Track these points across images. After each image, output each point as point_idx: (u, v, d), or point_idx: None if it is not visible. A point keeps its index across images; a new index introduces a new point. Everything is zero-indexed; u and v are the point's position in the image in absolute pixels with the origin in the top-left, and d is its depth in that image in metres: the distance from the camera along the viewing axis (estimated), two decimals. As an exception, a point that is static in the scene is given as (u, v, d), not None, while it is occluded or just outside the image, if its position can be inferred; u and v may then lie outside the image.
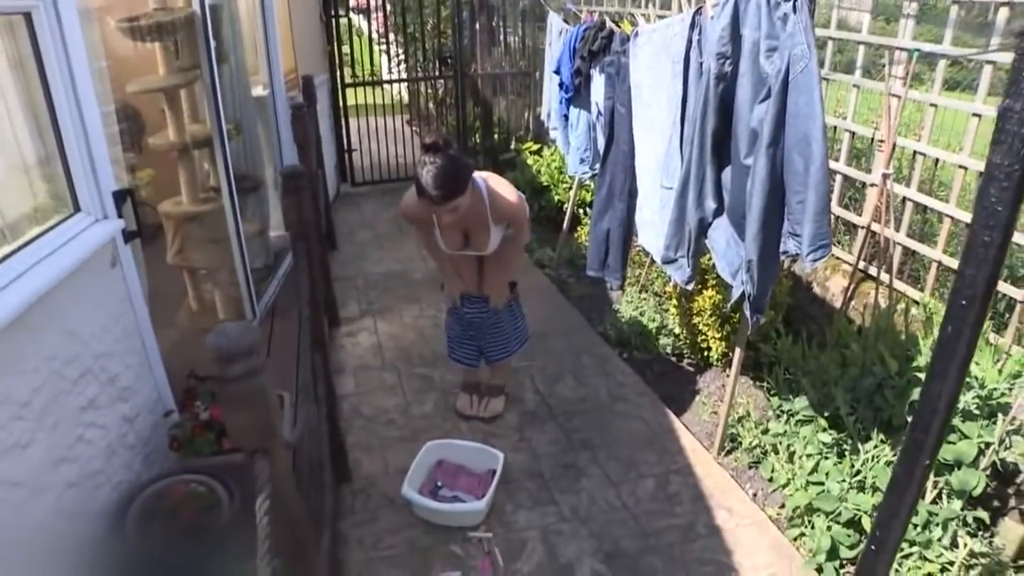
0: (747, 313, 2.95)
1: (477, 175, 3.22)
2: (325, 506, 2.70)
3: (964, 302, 1.55)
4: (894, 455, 3.04)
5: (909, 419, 3.02)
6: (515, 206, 3.31)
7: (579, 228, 6.08)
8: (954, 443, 2.83)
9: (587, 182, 5.48)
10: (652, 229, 3.66)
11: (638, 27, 3.66)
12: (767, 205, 2.65)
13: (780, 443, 3.49)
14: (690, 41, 3.03)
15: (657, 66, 3.39)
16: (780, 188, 2.66)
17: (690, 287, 3.44)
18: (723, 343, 4.19)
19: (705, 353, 4.35)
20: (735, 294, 3.00)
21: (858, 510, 2.92)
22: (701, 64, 2.97)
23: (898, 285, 3.91)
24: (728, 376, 4.21)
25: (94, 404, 2.61)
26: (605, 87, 4.07)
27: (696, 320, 4.21)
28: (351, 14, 9.61)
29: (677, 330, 4.48)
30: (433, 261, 3.77)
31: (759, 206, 2.66)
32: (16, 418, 2.16)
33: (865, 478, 3.05)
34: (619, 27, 4.21)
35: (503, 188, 3.31)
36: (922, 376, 3.01)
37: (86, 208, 2.68)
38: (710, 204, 3.02)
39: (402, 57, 9.68)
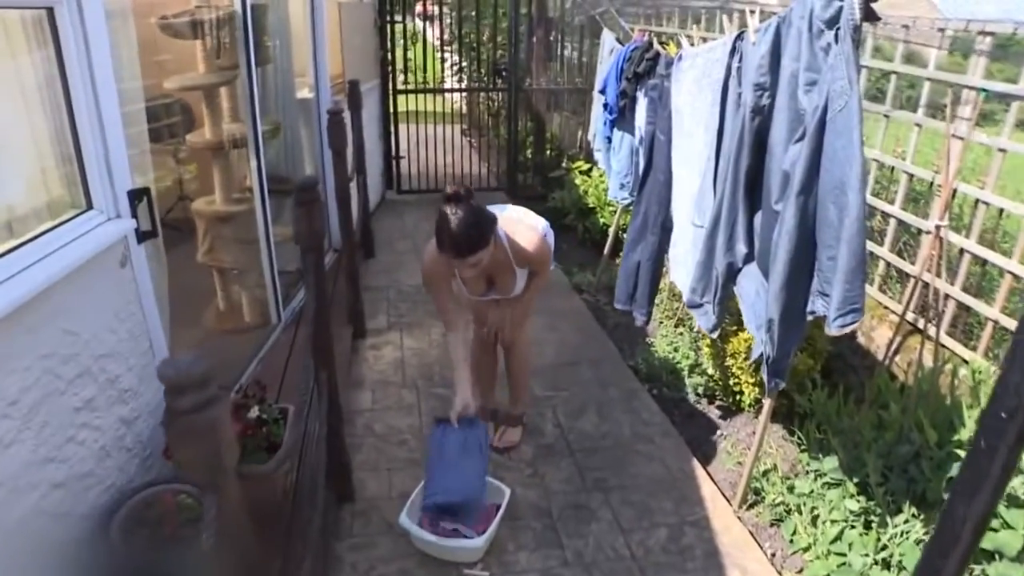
0: (764, 377, 2.74)
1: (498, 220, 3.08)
2: (312, 529, 2.59)
3: (1004, 414, 1.26)
4: (926, 532, 2.84)
5: (945, 496, 2.83)
6: (536, 254, 3.20)
7: (621, 254, 5.93)
8: (996, 531, 2.59)
9: (628, 206, 5.34)
10: (684, 267, 3.49)
11: (682, 50, 3.50)
12: (793, 259, 2.43)
13: (804, 504, 3.29)
14: (729, 68, 2.85)
15: (698, 92, 3.23)
16: (811, 240, 2.43)
17: (715, 335, 3.25)
18: (756, 388, 4.00)
19: (737, 397, 4.16)
20: (754, 353, 2.80)
21: (881, 589, 2.73)
22: (740, 95, 2.78)
23: (948, 342, 3.69)
24: (759, 423, 4.03)
25: (90, 405, 2.54)
26: (647, 111, 3.94)
27: (730, 362, 4.03)
28: (416, 20, 9.59)
29: (710, 370, 4.30)
30: (450, 351, 3.38)
31: (784, 259, 2.44)
32: (1, 416, 2.10)
33: (892, 554, 2.84)
34: (665, 49, 4.06)
35: (522, 234, 3.18)
36: (961, 452, 2.83)
37: (98, 206, 2.62)
38: (741, 248, 2.82)
39: (460, 66, 9.63)
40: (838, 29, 2.21)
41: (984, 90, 3.21)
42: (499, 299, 3.47)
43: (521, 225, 3.23)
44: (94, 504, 2.56)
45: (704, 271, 3.05)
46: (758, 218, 2.77)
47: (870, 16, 2.13)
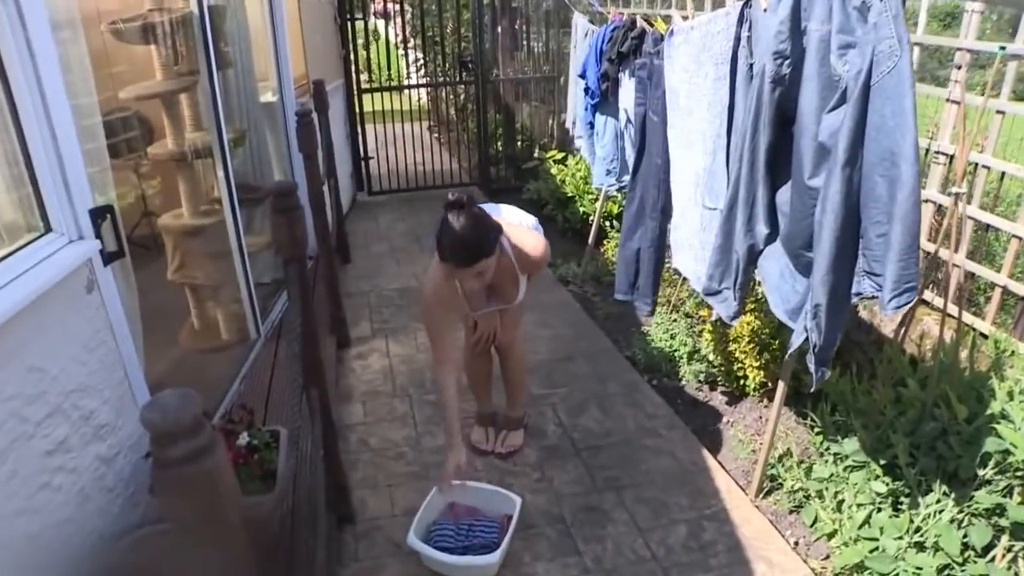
0: (811, 367, 2.55)
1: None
2: (317, 561, 2.41)
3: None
4: (959, 511, 2.71)
5: (979, 472, 2.71)
6: (542, 259, 3.08)
7: (605, 242, 5.78)
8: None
9: (614, 194, 5.17)
10: (690, 252, 3.31)
11: (674, 25, 3.33)
12: (840, 238, 2.24)
13: (826, 488, 3.15)
14: (738, 39, 2.66)
15: (696, 69, 3.05)
16: (856, 216, 2.25)
17: (735, 323, 3.09)
18: (761, 372, 3.86)
19: (741, 382, 4.02)
20: (796, 340, 2.61)
21: (919, 573, 2.58)
22: (751, 66, 2.60)
23: (963, 315, 3.56)
24: (766, 407, 3.90)
25: (64, 446, 2.33)
26: (636, 92, 3.76)
27: (732, 347, 3.89)
28: (372, 18, 9.38)
29: (711, 356, 4.16)
30: (441, 399, 3.18)
31: (830, 239, 2.24)
32: (-40, 472, 1.89)
33: (926, 535, 2.71)
34: (652, 26, 3.89)
35: (525, 240, 3.04)
36: (995, 424, 2.70)
37: (58, 228, 2.41)
38: (762, 229, 2.64)
39: (422, 62, 9.45)
40: None
41: (1003, 47, 3.06)
42: (496, 311, 3.32)
43: (521, 229, 3.09)
44: (76, 555, 2.36)
45: (723, 255, 2.87)
46: (780, 195, 2.60)
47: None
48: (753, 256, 2.75)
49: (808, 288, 2.47)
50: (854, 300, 2.38)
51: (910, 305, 2.19)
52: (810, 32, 2.30)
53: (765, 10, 2.47)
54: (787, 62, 2.40)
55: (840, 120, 2.18)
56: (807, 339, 2.51)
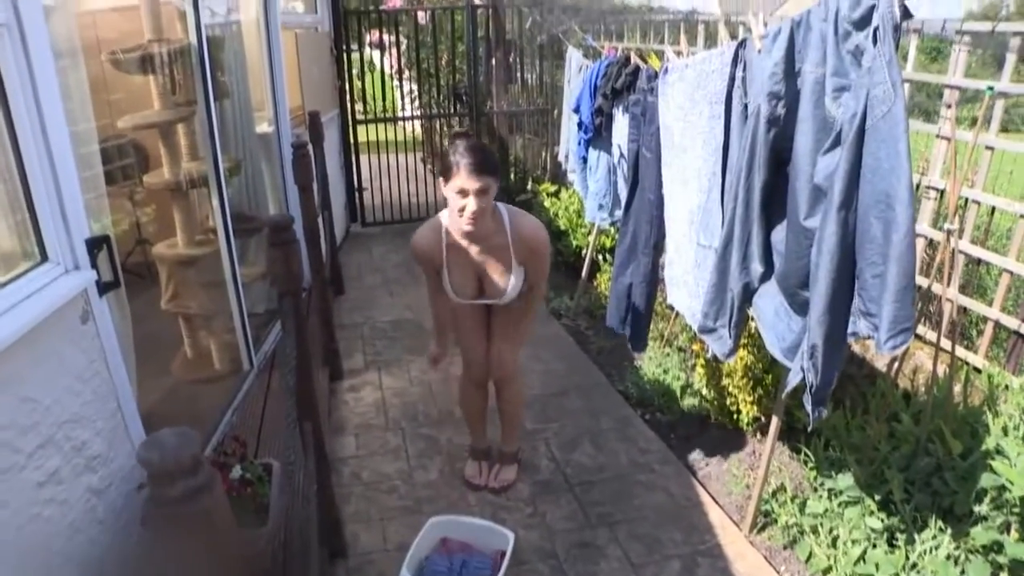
0: (808, 407, 2.55)
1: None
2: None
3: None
4: (955, 547, 2.70)
5: (975, 507, 2.70)
6: (539, 243, 3.05)
7: (598, 275, 5.78)
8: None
9: (607, 228, 5.19)
10: (684, 289, 3.32)
11: (668, 62, 3.36)
12: (836, 279, 2.25)
13: (821, 524, 3.14)
14: (733, 78, 2.69)
15: (691, 107, 3.07)
16: (851, 257, 2.26)
17: (731, 360, 3.08)
18: (755, 407, 3.85)
19: (735, 416, 4.01)
20: (792, 380, 2.61)
21: (916, 610, 2.58)
22: (746, 106, 2.63)
23: (957, 351, 3.58)
24: (760, 442, 3.89)
25: (55, 478, 2.31)
26: (629, 129, 3.79)
27: (726, 382, 3.88)
28: (368, 49, 9.44)
29: (705, 391, 4.15)
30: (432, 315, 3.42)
31: (827, 280, 2.25)
32: (-48, 503, 1.87)
33: (923, 572, 2.70)
34: (646, 62, 3.93)
35: (524, 219, 3.07)
36: (990, 460, 2.70)
37: (54, 257, 2.41)
38: (756, 267, 2.64)
39: (416, 94, 9.49)
40: (875, 30, 2.05)
41: (990, 88, 3.11)
42: (483, 310, 3.28)
43: (524, 215, 3.12)
44: (65, 587, 2.33)
45: (717, 293, 2.87)
46: (775, 234, 2.61)
47: (906, 13, 2.00)
48: (748, 294, 2.76)
49: (804, 327, 2.48)
50: (850, 340, 2.39)
51: (907, 346, 2.20)
52: (805, 74, 2.33)
53: (760, 51, 2.50)
54: (782, 103, 2.42)
55: (835, 162, 2.20)
56: (803, 378, 2.51)
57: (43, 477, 2.24)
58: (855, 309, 2.31)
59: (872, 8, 2.06)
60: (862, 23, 2.11)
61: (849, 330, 2.35)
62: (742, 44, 2.67)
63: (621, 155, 4.14)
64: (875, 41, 2.04)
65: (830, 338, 2.33)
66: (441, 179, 2.89)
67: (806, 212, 2.35)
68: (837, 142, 2.21)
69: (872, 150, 2.09)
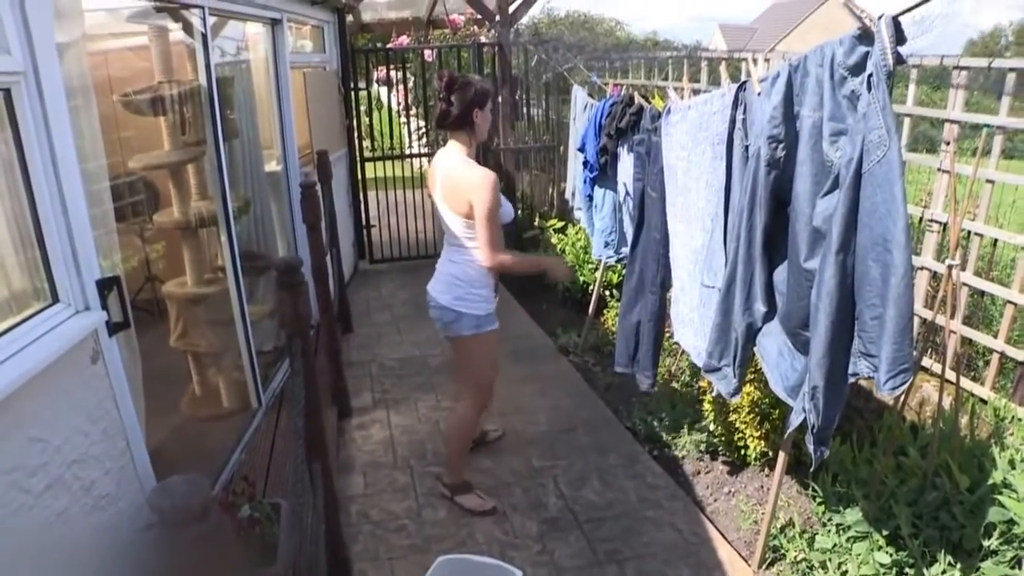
0: (809, 447, 2.56)
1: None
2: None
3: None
4: (965, 583, 2.69)
5: (984, 542, 2.69)
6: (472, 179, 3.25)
7: (605, 311, 5.80)
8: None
9: (613, 264, 5.22)
10: (690, 327, 3.33)
11: (671, 103, 3.40)
12: (837, 321, 2.27)
13: (830, 559, 3.13)
14: (733, 121, 2.73)
15: (694, 147, 3.11)
16: (851, 299, 2.28)
17: (736, 399, 3.09)
18: (762, 442, 3.85)
19: (742, 452, 4.00)
20: (794, 420, 2.62)
21: (927, 647, 2.56)
22: (747, 148, 2.67)
23: (963, 382, 3.58)
24: (768, 477, 3.88)
25: (63, 518, 2.32)
26: (634, 168, 3.83)
27: (733, 417, 3.88)
28: (376, 85, 9.55)
29: (712, 426, 4.15)
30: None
31: (827, 323, 2.28)
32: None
33: (933, 608, 2.68)
34: (649, 102, 3.98)
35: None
36: (997, 494, 2.70)
37: (65, 298, 2.44)
38: (759, 307, 2.67)
39: (424, 130, 9.58)
40: (869, 76, 2.09)
41: (988, 125, 3.15)
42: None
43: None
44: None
45: (721, 333, 2.89)
46: (777, 274, 2.64)
47: (900, 59, 2.03)
48: (752, 334, 2.78)
49: (806, 366, 2.49)
50: (851, 380, 2.40)
51: (907, 386, 2.21)
52: (803, 118, 2.36)
53: (759, 94, 2.53)
54: (781, 146, 2.46)
55: (833, 205, 2.23)
56: (805, 419, 2.52)
57: (52, 517, 2.25)
58: (855, 350, 2.32)
59: (866, 55, 2.11)
60: (857, 69, 2.16)
61: (850, 371, 2.36)
62: (742, 87, 2.71)
63: (627, 193, 4.17)
64: (869, 87, 2.08)
65: (830, 379, 2.35)
66: (477, 107, 3.25)
67: (806, 254, 2.38)
68: (835, 185, 2.24)
69: (869, 194, 2.13)
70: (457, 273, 3.36)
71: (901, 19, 2.04)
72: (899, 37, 2.01)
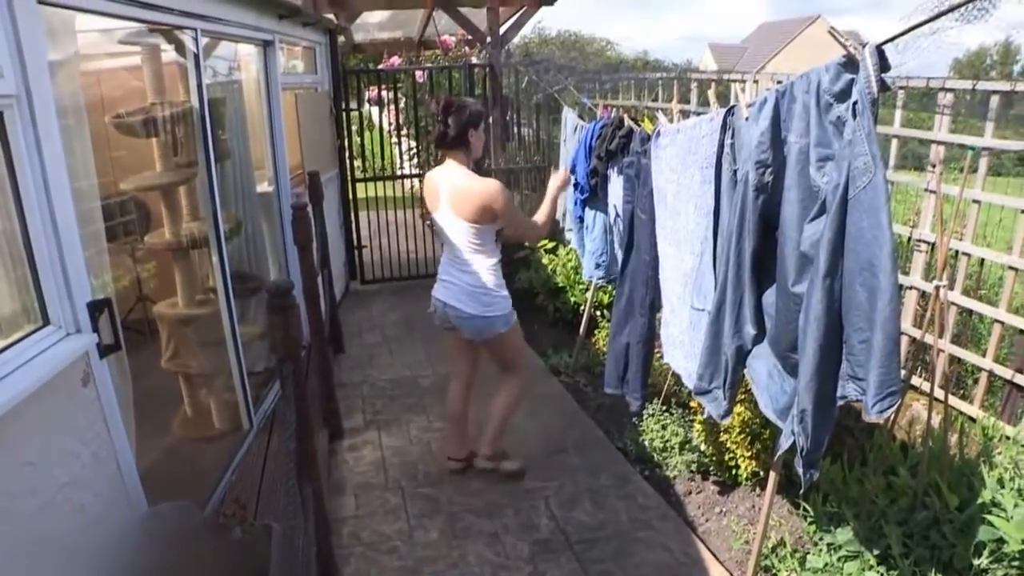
0: (799, 470, 2.57)
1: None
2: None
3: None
4: (956, 602, 2.70)
5: (975, 561, 2.70)
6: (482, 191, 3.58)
7: (596, 332, 5.80)
8: None
9: (604, 285, 5.23)
10: (680, 349, 3.34)
11: (660, 126, 3.43)
12: (824, 345, 2.29)
13: (822, 580, 3.13)
14: (722, 145, 2.75)
15: (683, 170, 3.12)
16: (838, 323, 2.30)
17: (726, 421, 3.10)
18: (753, 461, 3.86)
19: (733, 471, 4.01)
20: (783, 444, 2.63)
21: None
22: (735, 172, 2.69)
23: (951, 399, 3.60)
24: (759, 496, 3.88)
25: (54, 541, 2.31)
26: (624, 190, 3.86)
27: (724, 437, 3.89)
28: (368, 105, 9.57)
29: (703, 446, 4.15)
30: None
31: (814, 347, 2.30)
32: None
33: (924, 627, 2.69)
34: (639, 125, 4.01)
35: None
36: (987, 513, 2.71)
37: (56, 321, 2.43)
38: (749, 330, 2.68)
39: (416, 150, 9.60)
40: (854, 103, 2.12)
41: (973, 148, 3.19)
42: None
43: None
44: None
45: (711, 356, 2.90)
46: (766, 298, 2.66)
47: (884, 86, 2.06)
48: (742, 357, 2.79)
49: (796, 388, 2.50)
50: (840, 403, 2.41)
51: (894, 408, 2.22)
52: (790, 144, 2.39)
53: (747, 119, 2.56)
54: (769, 171, 2.48)
55: (820, 231, 2.25)
56: (794, 442, 2.53)
57: (42, 540, 2.24)
58: (843, 373, 2.34)
59: (851, 82, 2.14)
60: (842, 96, 2.19)
61: (838, 394, 2.38)
62: (730, 111, 2.73)
63: (617, 215, 4.19)
64: (855, 114, 2.10)
65: (819, 402, 2.36)
66: (472, 127, 3.60)
67: (794, 278, 2.40)
68: (822, 210, 2.26)
69: (855, 220, 2.16)
70: (474, 282, 3.66)
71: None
72: (883, 65, 2.04)
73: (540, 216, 3.82)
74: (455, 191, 3.58)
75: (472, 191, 3.53)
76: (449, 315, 3.74)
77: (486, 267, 3.67)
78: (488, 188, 3.53)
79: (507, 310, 3.74)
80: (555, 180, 3.92)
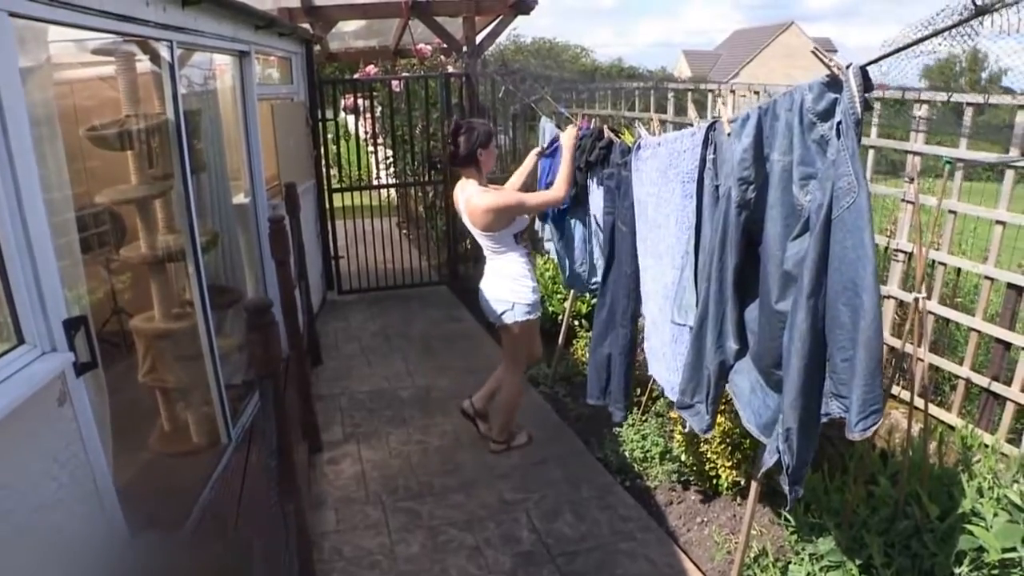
0: (784, 487, 2.57)
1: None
2: None
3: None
4: (938, 611, 2.71)
5: (955, 570, 2.72)
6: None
7: (575, 342, 5.79)
8: None
9: (582, 294, 5.23)
10: (662, 362, 3.32)
11: (640, 139, 3.43)
12: (810, 364, 2.30)
13: (804, 590, 3.14)
14: (704, 160, 2.75)
15: (664, 184, 3.11)
16: (822, 342, 2.31)
17: (709, 435, 3.11)
18: (734, 471, 3.87)
19: (714, 481, 4.01)
20: (768, 460, 2.63)
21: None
22: (717, 187, 2.68)
23: (927, 407, 3.63)
24: (740, 506, 3.89)
25: (31, 564, 2.27)
26: (604, 201, 3.85)
27: (704, 447, 3.90)
28: (344, 113, 9.52)
29: (683, 457, 4.16)
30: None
31: (799, 365, 2.30)
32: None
33: (906, 637, 2.70)
34: (619, 136, 4.01)
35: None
36: (967, 522, 2.73)
37: (31, 340, 2.39)
38: (731, 345, 2.67)
39: (392, 160, 9.56)
40: (838, 123, 2.13)
41: (949, 161, 3.23)
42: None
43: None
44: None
45: (694, 372, 2.89)
46: (749, 313, 2.66)
47: (867, 106, 2.07)
48: (724, 372, 2.79)
49: (779, 403, 2.51)
50: (824, 420, 2.42)
51: (877, 426, 2.23)
52: (773, 161, 2.39)
53: (729, 134, 2.56)
54: (751, 187, 2.49)
55: (804, 249, 2.26)
56: (779, 459, 2.53)
57: (18, 565, 2.20)
58: (827, 391, 2.35)
59: (835, 101, 2.15)
60: (826, 115, 2.19)
61: (822, 411, 2.39)
62: (712, 126, 2.73)
63: (597, 225, 4.19)
64: (839, 134, 2.11)
65: (804, 421, 2.37)
66: (481, 147, 4.05)
67: (777, 296, 2.40)
68: (805, 228, 2.26)
69: (839, 239, 2.16)
70: (497, 272, 4.22)
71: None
72: (867, 85, 2.05)
73: (560, 179, 4.13)
74: (468, 206, 4.06)
75: (479, 206, 3.98)
76: (482, 300, 4.32)
77: (508, 261, 4.17)
78: (489, 203, 3.97)
79: (523, 301, 4.15)
80: (567, 139, 4.17)
